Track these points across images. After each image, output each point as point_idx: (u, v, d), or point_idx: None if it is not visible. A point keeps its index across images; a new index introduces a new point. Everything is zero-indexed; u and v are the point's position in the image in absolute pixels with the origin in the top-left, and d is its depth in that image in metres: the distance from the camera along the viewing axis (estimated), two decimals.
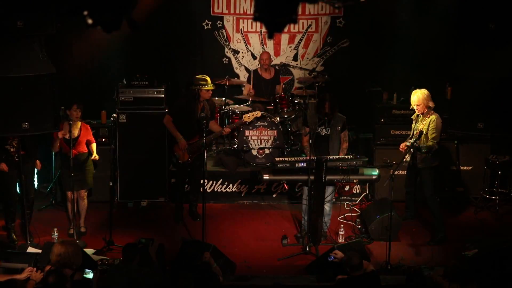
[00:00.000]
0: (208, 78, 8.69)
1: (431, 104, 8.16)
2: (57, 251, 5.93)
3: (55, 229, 8.15)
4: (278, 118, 9.86)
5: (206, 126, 8.40)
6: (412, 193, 8.80)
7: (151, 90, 9.48)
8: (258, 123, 9.70)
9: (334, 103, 8.10)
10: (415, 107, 8.21)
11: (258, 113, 9.24)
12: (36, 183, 9.42)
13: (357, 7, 10.60)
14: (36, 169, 8.64)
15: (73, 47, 10.46)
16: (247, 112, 9.50)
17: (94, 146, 8.57)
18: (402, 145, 8.26)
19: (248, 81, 10.57)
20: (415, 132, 8.27)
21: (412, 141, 8.19)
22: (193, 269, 6.12)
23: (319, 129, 8.13)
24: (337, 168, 7.98)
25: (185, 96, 8.81)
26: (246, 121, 9.18)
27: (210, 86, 8.66)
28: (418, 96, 8.19)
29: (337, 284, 6.35)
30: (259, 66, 10.67)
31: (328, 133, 8.18)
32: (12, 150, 7.95)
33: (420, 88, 8.39)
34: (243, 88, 10.78)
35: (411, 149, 8.16)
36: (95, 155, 8.49)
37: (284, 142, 9.84)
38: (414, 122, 8.41)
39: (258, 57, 10.77)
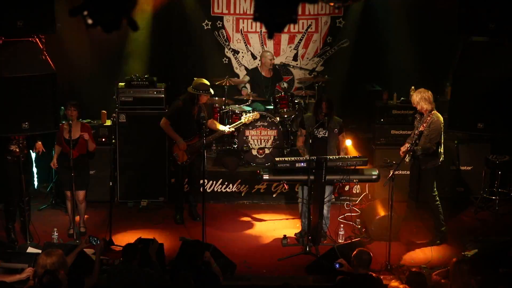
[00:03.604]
0: (208, 83, 8.70)
1: (426, 105, 8.08)
2: (42, 262, 5.81)
3: (55, 229, 8.16)
4: (278, 118, 9.86)
5: (206, 127, 8.42)
6: (414, 193, 8.80)
7: (151, 90, 9.48)
8: (258, 123, 9.71)
9: (331, 105, 8.10)
10: (426, 106, 8.15)
11: (257, 115, 9.28)
12: (36, 183, 9.42)
13: (357, 7, 10.62)
14: (36, 169, 8.62)
15: (73, 47, 10.47)
16: (247, 112, 9.52)
17: (93, 149, 8.48)
18: (403, 149, 8.26)
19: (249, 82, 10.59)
20: (416, 131, 8.27)
21: (412, 141, 8.19)
22: (193, 269, 6.12)
23: (316, 131, 8.12)
24: (337, 168, 7.98)
25: (182, 98, 8.80)
26: (245, 123, 9.21)
27: (210, 93, 8.68)
28: (413, 98, 8.19)
29: (337, 283, 6.34)
30: (259, 64, 10.66)
31: (326, 135, 8.18)
32: (17, 150, 7.94)
33: (419, 88, 8.39)
34: (242, 89, 10.76)
35: (411, 151, 8.16)
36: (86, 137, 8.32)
37: (284, 142, 9.85)
38: (416, 120, 8.41)
39: (259, 56, 10.77)
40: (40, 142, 8.33)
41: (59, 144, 8.36)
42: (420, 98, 8.08)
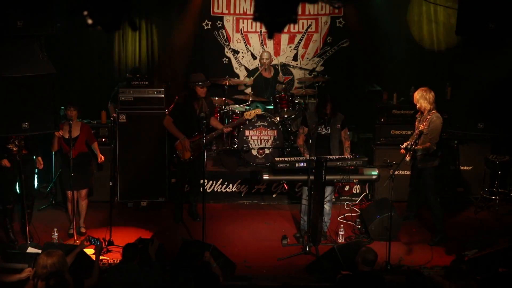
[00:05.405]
0: (202, 75, 8.71)
1: (424, 104, 8.15)
2: (43, 262, 5.81)
3: (55, 229, 8.16)
4: (278, 118, 9.86)
5: (207, 125, 8.43)
6: (414, 193, 8.81)
7: (151, 90, 9.47)
8: (258, 123, 9.71)
9: (335, 104, 8.11)
10: (425, 105, 8.16)
11: (259, 111, 9.29)
12: (36, 183, 9.42)
13: (357, 7, 10.62)
14: (36, 169, 8.64)
15: (74, 47, 10.48)
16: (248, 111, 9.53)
17: (96, 145, 8.62)
18: (403, 146, 8.27)
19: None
20: (416, 131, 8.28)
21: (412, 141, 8.20)
22: (193, 269, 6.12)
23: (319, 129, 8.14)
24: (337, 168, 7.98)
25: (183, 95, 8.81)
26: (247, 119, 9.22)
27: (205, 83, 8.66)
28: (414, 95, 8.24)
29: (339, 282, 6.33)
30: (259, 65, 10.67)
31: (329, 132, 8.20)
32: (14, 149, 7.95)
33: (419, 88, 8.40)
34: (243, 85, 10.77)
35: (410, 151, 8.16)
36: (100, 156, 8.57)
37: (284, 142, 9.85)
38: (417, 120, 8.42)
39: (259, 57, 10.77)
40: (40, 158, 8.39)
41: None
42: (421, 96, 8.16)
